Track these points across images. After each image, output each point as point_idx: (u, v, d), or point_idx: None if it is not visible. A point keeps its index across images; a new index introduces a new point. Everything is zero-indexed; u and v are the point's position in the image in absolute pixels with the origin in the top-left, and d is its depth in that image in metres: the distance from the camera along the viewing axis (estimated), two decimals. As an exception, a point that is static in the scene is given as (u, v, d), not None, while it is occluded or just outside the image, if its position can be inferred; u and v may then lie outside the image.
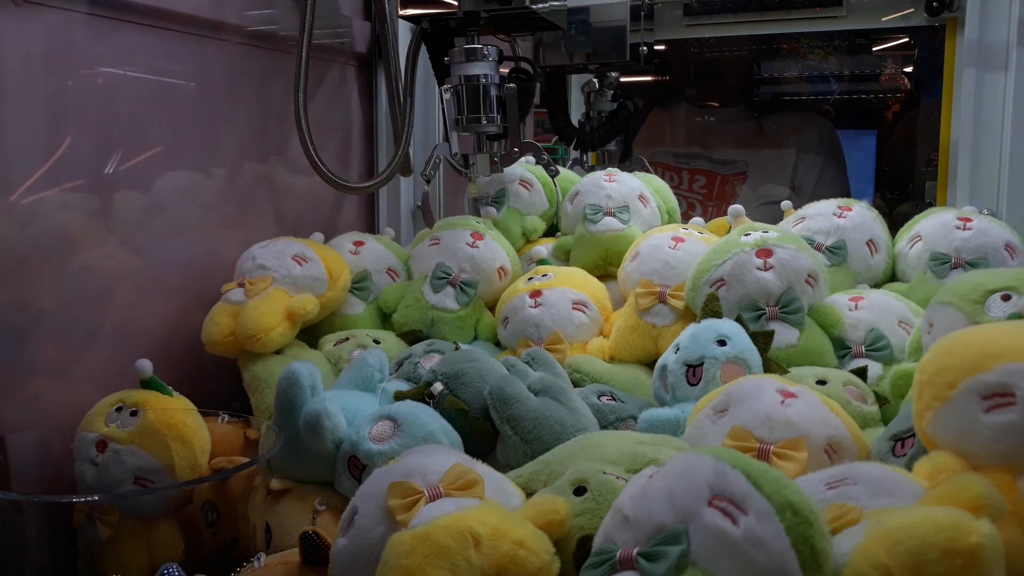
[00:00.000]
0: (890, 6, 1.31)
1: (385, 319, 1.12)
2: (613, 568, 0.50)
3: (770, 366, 0.83)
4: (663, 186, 1.28)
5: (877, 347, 0.91)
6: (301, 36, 1.07)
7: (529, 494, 0.66)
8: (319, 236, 1.15)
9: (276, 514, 0.78)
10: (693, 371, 0.80)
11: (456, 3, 1.13)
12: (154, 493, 0.80)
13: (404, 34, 1.38)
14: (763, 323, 0.91)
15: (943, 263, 1.00)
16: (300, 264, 1.05)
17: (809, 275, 0.94)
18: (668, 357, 0.84)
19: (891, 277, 1.09)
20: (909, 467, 0.60)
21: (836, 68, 2.12)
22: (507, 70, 1.17)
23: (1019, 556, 0.49)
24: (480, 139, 1.15)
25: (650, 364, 0.94)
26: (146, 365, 0.85)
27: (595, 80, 1.53)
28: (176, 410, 0.83)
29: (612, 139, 1.50)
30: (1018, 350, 0.55)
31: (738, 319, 0.86)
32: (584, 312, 1.03)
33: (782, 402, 0.68)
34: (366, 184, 1.21)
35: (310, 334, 1.09)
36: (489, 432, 0.79)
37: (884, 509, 0.52)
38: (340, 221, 1.35)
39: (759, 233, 0.96)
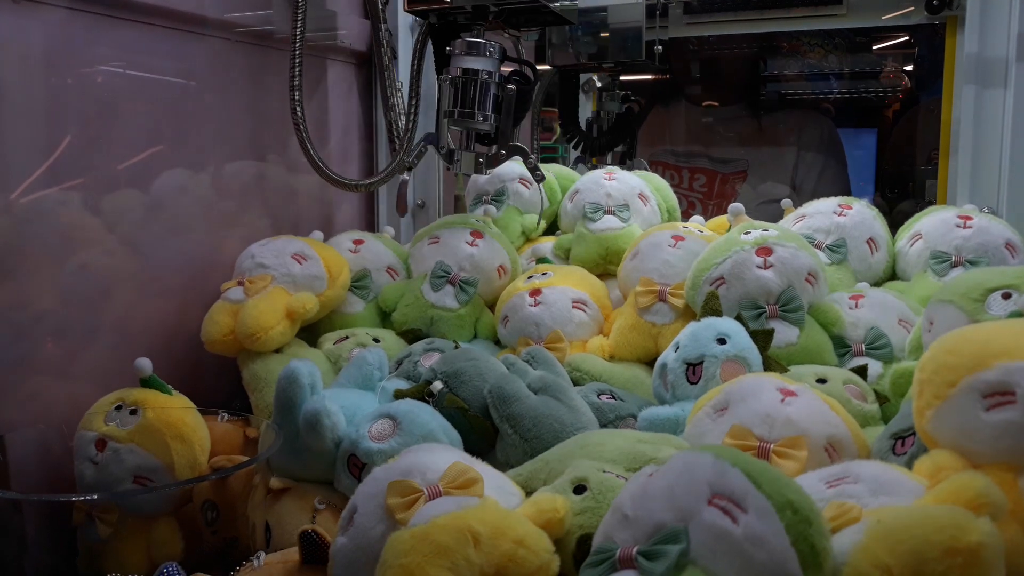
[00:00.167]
0: (890, 4, 1.30)
1: (385, 318, 1.12)
2: (613, 567, 0.50)
3: (770, 364, 0.83)
4: (663, 184, 1.27)
5: (877, 345, 0.91)
6: (293, 33, 1.07)
7: (529, 493, 0.66)
8: (319, 234, 1.15)
9: (276, 513, 0.77)
10: (693, 369, 0.80)
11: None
12: (153, 492, 0.80)
13: (404, 33, 1.38)
14: (763, 321, 0.91)
15: (943, 261, 1.00)
16: (300, 263, 1.05)
17: (809, 273, 0.94)
18: (668, 355, 0.83)
19: (891, 275, 1.09)
20: (909, 466, 0.60)
21: (836, 66, 2.12)
22: (508, 70, 1.15)
23: (1020, 555, 0.49)
24: (469, 135, 1.12)
25: (650, 363, 0.94)
26: (145, 364, 0.85)
27: (595, 79, 1.52)
28: (175, 409, 0.83)
29: (620, 143, 1.49)
30: (1018, 348, 0.55)
31: (738, 317, 0.86)
32: (584, 311, 1.03)
33: (782, 400, 0.68)
34: (367, 181, 1.21)
35: (310, 333, 1.08)
36: (489, 431, 0.78)
37: (884, 508, 0.52)
38: (340, 220, 1.35)
39: (759, 231, 0.96)
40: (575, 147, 1.53)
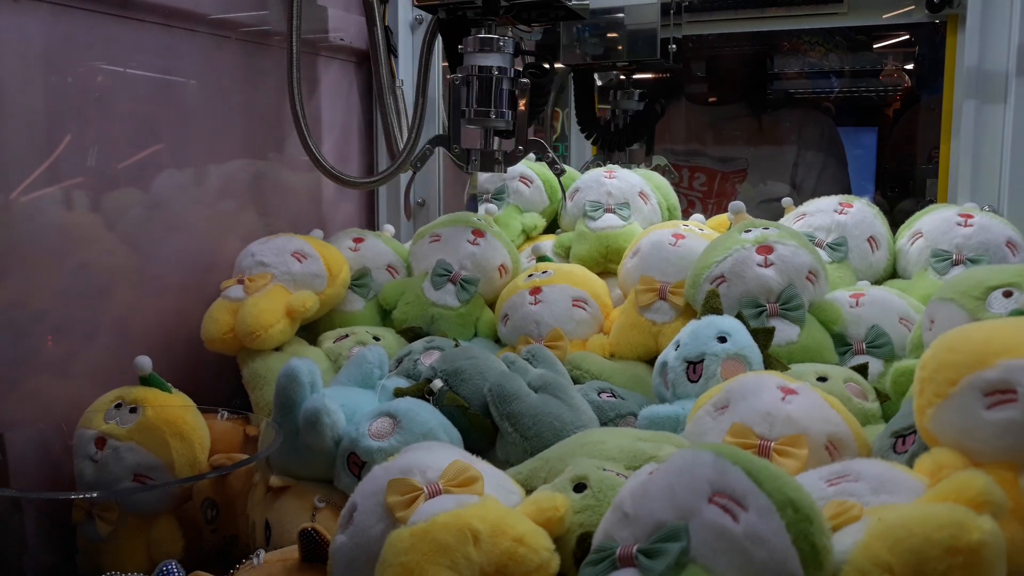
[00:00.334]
0: (891, 3, 1.30)
1: (385, 316, 1.12)
2: (613, 565, 0.50)
3: (771, 363, 0.83)
4: (664, 183, 1.27)
5: (878, 344, 0.91)
6: (289, 29, 1.06)
7: (529, 491, 0.65)
8: (319, 233, 1.15)
9: (275, 511, 0.77)
10: (693, 368, 0.80)
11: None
12: (153, 490, 0.80)
13: (404, 31, 1.38)
14: (764, 320, 0.91)
15: (944, 260, 1.00)
16: (300, 261, 1.05)
17: (810, 272, 0.93)
18: (668, 354, 0.83)
19: (892, 274, 1.09)
20: (910, 464, 0.60)
21: (837, 65, 2.12)
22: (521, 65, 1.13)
23: (1021, 553, 0.49)
24: (487, 134, 1.10)
25: (650, 361, 0.94)
26: (145, 362, 0.85)
27: (620, 76, 1.51)
28: (175, 407, 0.83)
29: (638, 140, 1.49)
30: (1020, 346, 0.55)
31: (739, 316, 0.86)
32: (584, 309, 1.03)
33: (783, 399, 0.68)
34: (369, 179, 1.20)
35: (310, 331, 1.08)
36: (489, 429, 0.78)
37: (885, 506, 0.51)
38: (340, 218, 1.35)
39: (760, 230, 0.96)
40: (594, 143, 1.52)
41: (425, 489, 0.58)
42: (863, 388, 0.83)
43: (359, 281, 1.12)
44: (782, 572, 0.45)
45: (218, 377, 1.03)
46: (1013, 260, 0.98)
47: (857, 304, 0.94)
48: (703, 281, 0.94)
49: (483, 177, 1.29)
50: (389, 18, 1.30)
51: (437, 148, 1.15)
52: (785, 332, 0.90)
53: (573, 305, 1.03)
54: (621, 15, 1.33)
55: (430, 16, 1.18)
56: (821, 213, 1.09)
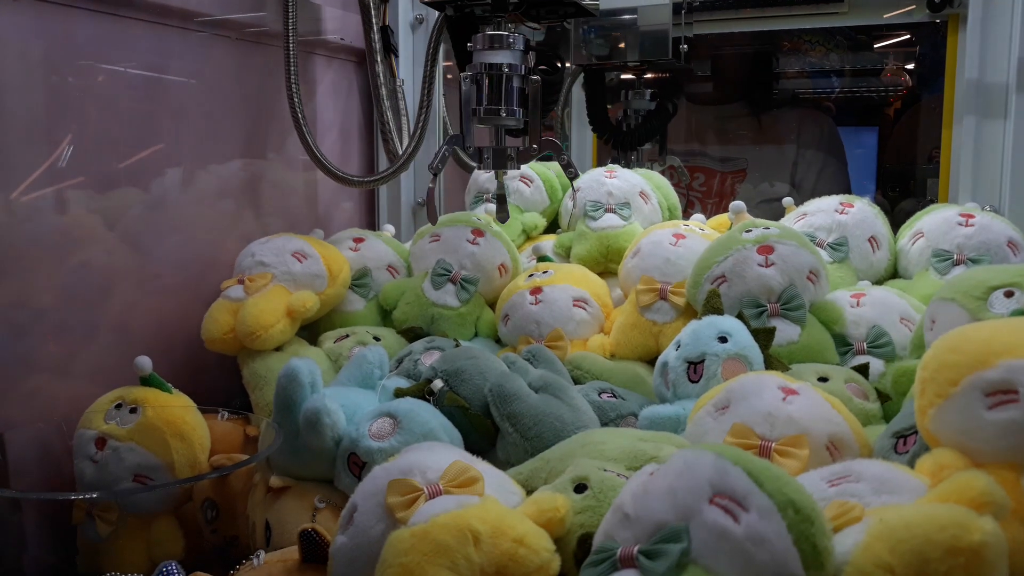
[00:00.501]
0: (892, 2, 1.30)
1: (385, 316, 1.12)
2: (614, 566, 0.50)
3: (771, 363, 0.83)
4: (664, 183, 1.27)
5: (879, 344, 0.91)
6: (286, 27, 1.06)
7: (529, 491, 0.65)
8: (319, 233, 1.15)
9: (275, 511, 0.77)
10: (694, 368, 0.80)
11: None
12: (153, 490, 0.80)
13: (404, 31, 1.38)
14: (764, 320, 0.91)
15: (945, 260, 1.00)
16: (300, 261, 1.05)
17: (810, 271, 0.93)
18: (669, 354, 0.83)
19: (893, 274, 1.09)
20: (911, 464, 0.60)
21: (837, 64, 2.11)
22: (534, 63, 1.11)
23: (1022, 554, 0.49)
24: (499, 133, 1.08)
25: (651, 361, 0.94)
26: (145, 362, 0.85)
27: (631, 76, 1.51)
28: (175, 407, 0.83)
29: (651, 139, 1.48)
30: (1021, 346, 0.55)
31: (739, 316, 0.86)
32: (585, 309, 1.03)
33: (783, 399, 0.68)
34: (369, 178, 1.20)
35: (310, 331, 1.08)
36: (489, 429, 0.78)
37: (886, 507, 0.51)
38: (340, 218, 1.35)
39: (760, 229, 0.96)
40: (607, 143, 1.51)
41: (425, 490, 0.58)
42: (864, 388, 0.83)
43: (359, 281, 1.12)
44: (783, 573, 0.45)
45: (218, 377, 1.03)
46: (1014, 260, 0.97)
47: (858, 304, 0.94)
48: (704, 281, 0.94)
49: (483, 177, 1.28)
50: (389, 18, 1.30)
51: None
52: (786, 332, 0.90)
53: (574, 305, 1.03)
54: (634, 16, 1.32)
55: (432, 15, 1.18)
56: (822, 213, 1.09)
